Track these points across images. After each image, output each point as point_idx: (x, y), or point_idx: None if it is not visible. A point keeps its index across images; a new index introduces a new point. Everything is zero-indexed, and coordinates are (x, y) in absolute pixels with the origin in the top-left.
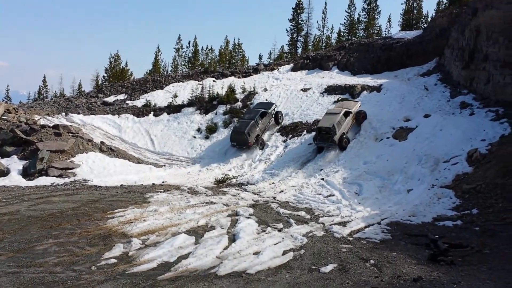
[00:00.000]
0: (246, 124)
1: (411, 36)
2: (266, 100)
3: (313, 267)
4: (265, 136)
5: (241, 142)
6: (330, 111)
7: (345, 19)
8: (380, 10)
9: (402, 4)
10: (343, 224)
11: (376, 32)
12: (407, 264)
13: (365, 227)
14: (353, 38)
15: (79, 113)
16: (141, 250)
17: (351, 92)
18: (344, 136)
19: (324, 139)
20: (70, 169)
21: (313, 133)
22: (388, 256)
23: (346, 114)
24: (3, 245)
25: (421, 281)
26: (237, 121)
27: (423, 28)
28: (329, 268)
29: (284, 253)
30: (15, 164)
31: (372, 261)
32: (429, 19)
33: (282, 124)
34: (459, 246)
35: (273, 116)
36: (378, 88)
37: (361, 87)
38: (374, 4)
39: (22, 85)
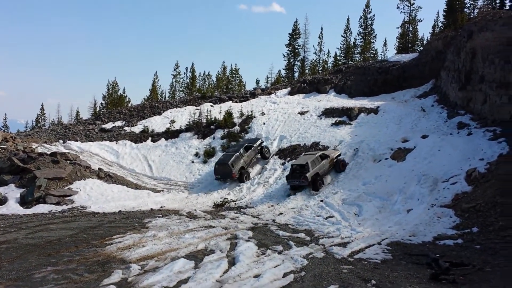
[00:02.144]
0: (230, 156)
1: (407, 59)
2: (264, 123)
3: None
4: (251, 171)
5: (225, 174)
6: (306, 153)
7: (341, 43)
8: (375, 34)
9: (398, 28)
10: (344, 245)
11: (372, 55)
12: (409, 284)
13: (366, 247)
14: (350, 62)
15: (76, 140)
16: (140, 275)
17: (348, 114)
18: (319, 177)
19: (296, 176)
20: (67, 196)
21: None
22: (389, 276)
23: (323, 157)
24: (1, 273)
25: None
26: (221, 154)
27: (419, 51)
28: None
29: (285, 275)
30: (12, 192)
31: (373, 282)
32: (425, 42)
33: (269, 158)
34: (460, 265)
35: (259, 150)
36: (375, 110)
37: (358, 109)
38: (369, 29)
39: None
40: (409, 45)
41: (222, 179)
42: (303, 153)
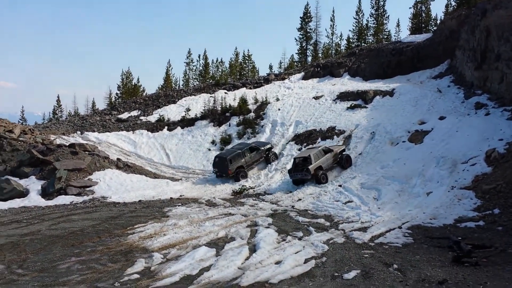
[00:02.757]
0: (231, 152)
1: (421, 39)
2: (279, 109)
3: (336, 274)
4: (251, 172)
5: (221, 169)
6: (308, 147)
7: (353, 26)
8: (388, 15)
9: (410, 8)
10: (364, 229)
11: (385, 37)
12: (431, 267)
13: (386, 231)
14: (363, 44)
15: (94, 131)
16: (163, 264)
17: (363, 97)
18: (322, 171)
19: (298, 170)
20: (88, 187)
21: (328, 140)
22: (411, 260)
23: (326, 151)
24: (27, 265)
25: (447, 283)
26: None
27: (433, 31)
28: (352, 274)
29: (306, 261)
30: (33, 184)
31: (395, 266)
32: (438, 21)
33: (275, 164)
34: (482, 247)
35: (265, 154)
36: (390, 93)
37: (374, 92)
38: (382, 10)
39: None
40: (423, 25)
41: (218, 173)
42: (306, 147)
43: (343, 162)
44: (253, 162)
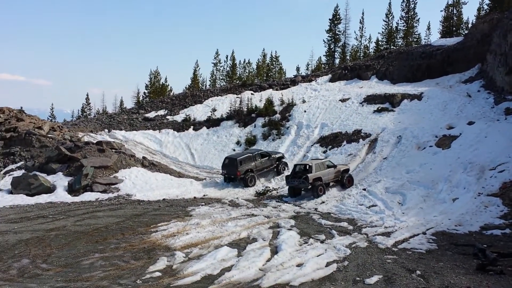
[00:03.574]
0: (241, 154)
1: (451, 43)
2: (305, 111)
3: (358, 278)
4: (259, 179)
5: (230, 171)
6: (312, 158)
7: (383, 28)
8: (418, 18)
9: (442, 11)
10: (387, 234)
11: (415, 40)
12: (455, 275)
13: (410, 237)
14: (392, 47)
15: (121, 129)
16: (185, 263)
17: (391, 101)
18: (320, 183)
19: (297, 177)
20: (113, 184)
21: (354, 143)
22: (435, 266)
23: (330, 165)
24: (51, 260)
25: None
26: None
27: (464, 34)
28: (374, 279)
29: (328, 264)
30: (60, 180)
31: (418, 272)
32: (470, 25)
33: (283, 173)
34: (508, 255)
35: (276, 162)
36: (419, 96)
37: (401, 95)
38: (412, 12)
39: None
40: (454, 28)
41: (227, 176)
42: (310, 158)
43: (344, 181)
44: (263, 168)
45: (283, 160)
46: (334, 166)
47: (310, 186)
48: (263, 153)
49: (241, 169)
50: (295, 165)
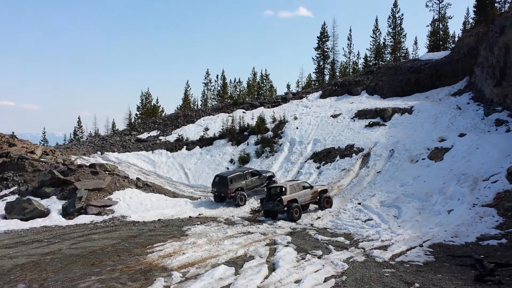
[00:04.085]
0: (232, 172)
1: (439, 57)
2: (297, 128)
3: None
4: (249, 199)
5: (220, 189)
6: (288, 180)
7: (371, 44)
8: (405, 33)
9: (428, 26)
10: (384, 248)
11: (403, 55)
12: (453, 286)
13: (407, 250)
14: (380, 62)
15: (114, 151)
16: (182, 283)
17: (382, 115)
18: (295, 205)
19: (272, 199)
20: (108, 206)
21: (347, 158)
22: (433, 278)
23: (307, 187)
24: (47, 284)
25: None
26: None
27: (451, 48)
28: None
29: (326, 280)
30: (54, 204)
31: (417, 285)
32: (456, 39)
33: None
34: (506, 265)
35: (266, 181)
36: (409, 110)
37: (392, 110)
38: (399, 28)
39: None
40: (440, 42)
41: (217, 194)
42: (285, 181)
43: (322, 202)
44: (253, 186)
45: (274, 179)
46: (311, 187)
47: (285, 208)
48: (254, 171)
49: (232, 187)
50: (270, 188)
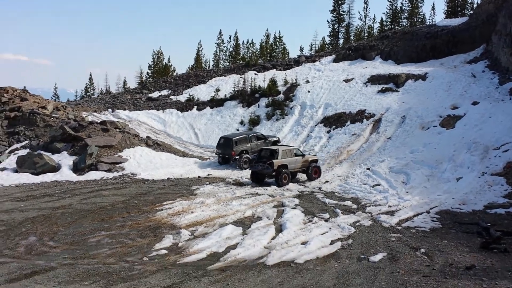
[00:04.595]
0: (237, 135)
1: (456, 23)
2: (308, 91)
3: (362, 256)
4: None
5: (225, 151)
6: (280, 145)
7: (387, 8)
8: None
9: None
10: (391, 213)
11: (420, 20)
12: (459, 253)
13: (414, 216)
14: (396, 27)
15: (125, 109)
16: (190, 241)
17: (395, 81)
18: (285, 171)
19: (262, 162)
20: (118, 163)
21: (358, 123)
22: (438, 244)
23: (298, 154)
24: (58, 237)
25: (474, 269)
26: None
27: (469, 15)
28: (378, 257)
29: (332, 242)
30: (65, 159)
31: (422, 250)
32: (475, 5)
33: None
34: None
35: (271, 145)
36: (423, 77)
37: (406, 76)
38: None
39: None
40: (459, 9)
41: (221, 155)
42: (278, 144)
43: (310, 171)
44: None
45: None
46: (303, 155)
47: (274, 173)
48: (259, 135)
49: (236, 149)
50: (261, 149)
